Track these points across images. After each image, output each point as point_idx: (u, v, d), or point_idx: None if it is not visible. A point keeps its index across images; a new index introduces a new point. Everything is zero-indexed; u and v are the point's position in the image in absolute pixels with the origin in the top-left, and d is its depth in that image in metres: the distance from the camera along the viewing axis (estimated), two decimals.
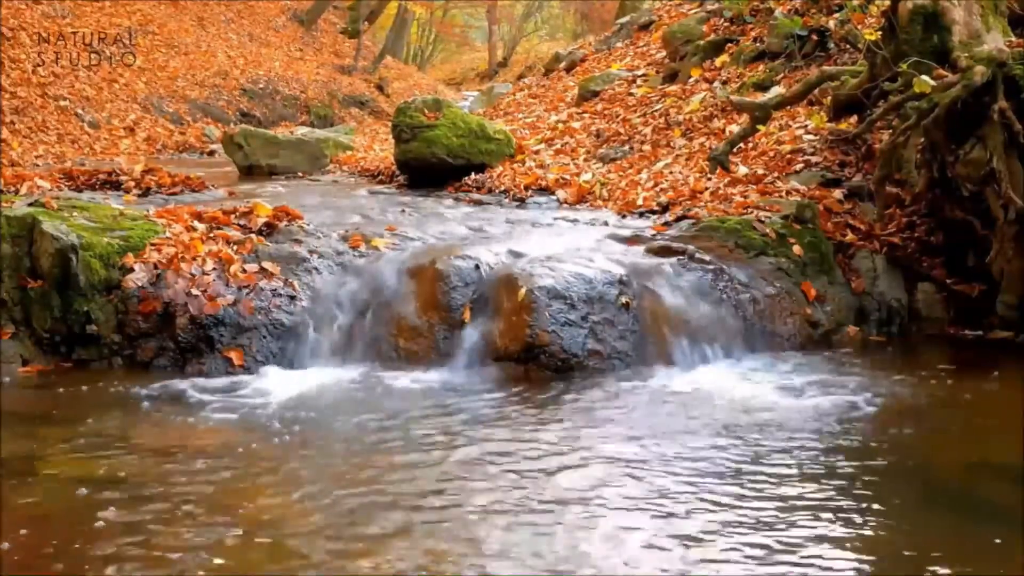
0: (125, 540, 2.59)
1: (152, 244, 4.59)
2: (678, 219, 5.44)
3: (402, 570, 2.47)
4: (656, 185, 6.39)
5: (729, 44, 9.10)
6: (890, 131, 5.34)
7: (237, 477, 3.09)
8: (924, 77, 4.72)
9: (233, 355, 4.29)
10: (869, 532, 2.72)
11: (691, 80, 8.83)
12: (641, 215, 5.84)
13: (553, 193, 6.76)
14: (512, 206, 6.56)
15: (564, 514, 2.80)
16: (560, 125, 9.02)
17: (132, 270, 4.43)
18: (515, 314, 4.33)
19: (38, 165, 9.86)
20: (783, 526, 2.72)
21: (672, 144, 7.44)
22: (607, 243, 5.04)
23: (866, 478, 3.11)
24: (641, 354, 4.38)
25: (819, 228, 5.15)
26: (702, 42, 9.31)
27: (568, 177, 7.02)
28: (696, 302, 4.62)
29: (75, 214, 4.76)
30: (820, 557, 2.54)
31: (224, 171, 9.22)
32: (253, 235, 4.91)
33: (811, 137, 6.37)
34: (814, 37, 7.90)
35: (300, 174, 8.81)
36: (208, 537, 2.62)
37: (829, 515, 2.80)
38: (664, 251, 4.90)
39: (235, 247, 4.74)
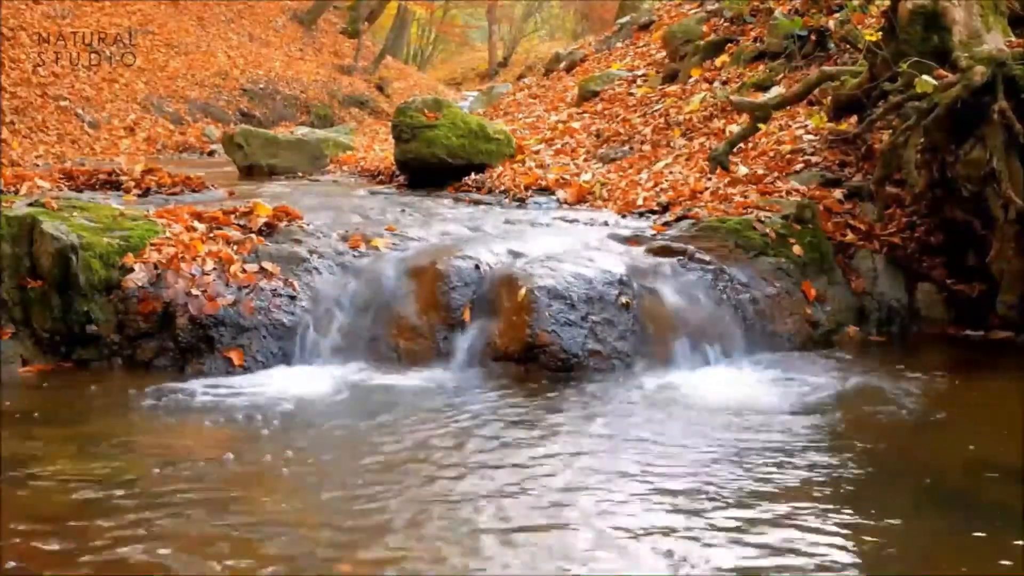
0: (125, 540, 2.59)
1: (152, 244, 4.59)
2: (678, 219, 5.44)
3: (400, 570, 2.46)
4: (656, 185, 6.39)
5: (729, 44, 9.11)
6: (890, 131, 5.35)
7: (237, 477, 3.09)
8: (925, 77, 4.73)
9: (233, 355, 4.29)
10: (869, 532, 2.71)
11: (691, 80, 8.84)
12: (641, 215, 5.84)
13: (553, 193, 6.76)
14: (512, 206, 6.56)
15: (563, 514, 2.80)
16: (560, 125, 9.03)
17: (132, 270, 4.43)
18: (515, 314, 4.33)
19: (38, 165, 9.86)
20: (782, 526, 2.72)
21: (672, 144, 7.45)
22: (607, 243, 5.04)
23: (866, 478, 3.11)
24: (641, 354, 4.38)
25: (819, 228, 5.15)
26: (702, 42, 9.32)
27: (568, 177, 7.02)
28: (696, 302, 4.62)
29: (75, 214, 4.75)
30: (820, 557, 2.54)
31: (224, 171, 9.22)
32: (253, 235, 4.91)
33: (811, 137, 6.37)
34: (814, 37, 7.91)
35: (300, 174, 8.82)
36: (208, 537, 2.62)
37: (829, 515, 2.80)
38: (664, 251, 4.89)
39: (235, 247, 4.73)
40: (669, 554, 2.55)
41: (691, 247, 4.90)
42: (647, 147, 7.59)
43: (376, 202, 6.68)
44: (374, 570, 2.47)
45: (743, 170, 6.16)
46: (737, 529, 2.70)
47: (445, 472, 3.13)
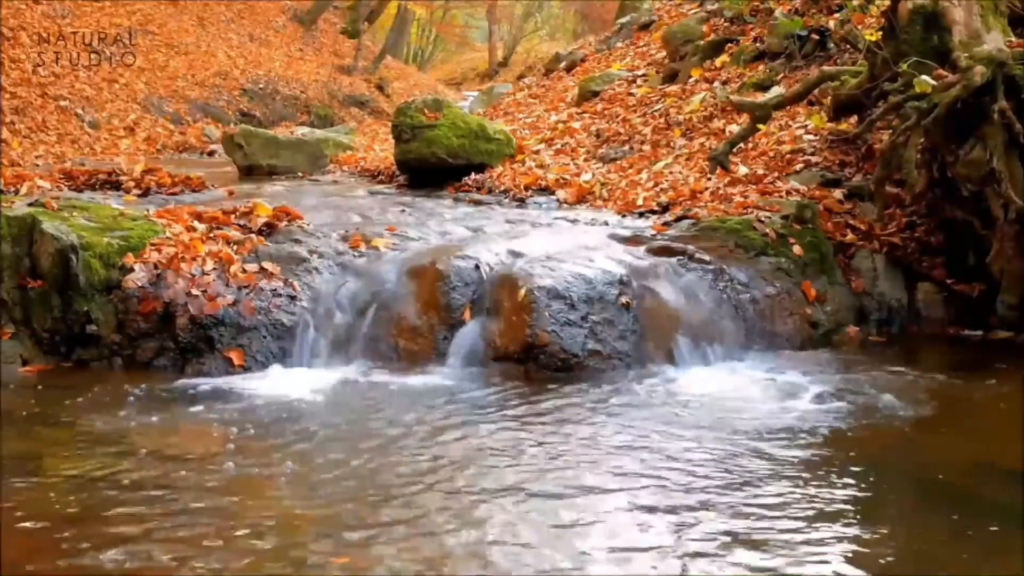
0: (125, 540, 2.59)
1: (152, 244, 4.59)
2: (678, 219, 5.44)
3: (400, 570, 2.46)
4: (656, 185, 6.39)
5: (729, 44, 9.11)
6: (890, 131, 5.35)
7: (237, 477, 3.09)
8: (924, 77, 4.73)
9: (233, 355, 4.29)
10: (869, 532, 2.71)
11: (691, 80, 8.84)
12: (641, 215, 5.84)
13: (553, 193, 6.76)
14: (512, 206, 6.56)
15: (561, 514, 2.80)
16: (560, 125, 9.03)
17: (132, 270, 4.43)
18: (515, 314, 4.33)
19: (38, 165, 9.86)
20: (782, 525, 2.72)
21: (672, 144, 7.45)
22: (607, 243, 5.04)
23: (866, 478, 3.11)
24: (641, 354, 4.38)
25: (819, 228, 5.15)
26: (702, 42, 9.32)
27: (568, 177, 7.02)
28: (696, 302, 4.62)
29: (75, 214, 4.76)
30: (820, 557, 2.54)
31: (224, 171, 9.21)
32: (253, 235, 4.91)
33: (811, 137, 6.38)
34: (814, 37, 7.91)
35: (300, 174, 8.81)
36: (208, 537, 2.62)
37: (829, 515, 2.80)
38: (664, 251, 4.89)
39: (235, 247, 4.74)
40: (666, 552, 2.55)
41: (691, 247, 4.90)
42: (647, 147, 7.59)
43: (376, 202, 6.68)
44: (373, 570, 2.47)
45: (743, 170, 6.16)
46: (735, 529, 2.69)
47: (445, 472, 3.13)
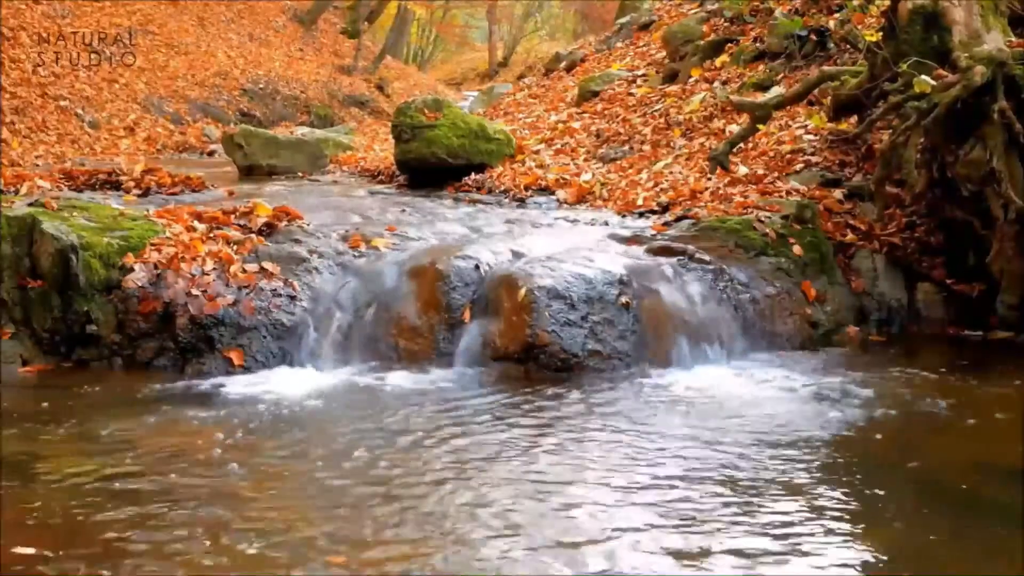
0: (125, 541, 2.59)
1: (152, 244, 4.59)
2: (678, 219, 5.45)
3: (400, 570, 2.46)
4: (656, 185, 6.40)
5: (729, 44, 9.12)
6: (890, 131, 5.35)
7: (238, 477, 3.09)
8: (924, 77, 4.73)
9: (233, 355, 4.29)
10: (869, 532, 2.71)
11: (691, 80, 8.84)
12: (641, 215, 5.84)
13: (553, 193, 6.76)
14: (512, 206, 6.56)
15: (561, 514, 2.80)
16: (560, 125, 9.04)
17: (132, 270, 4.43)
18: (515, 314, 4.33)
19: (38, 165, 9.86)
20: (781, 526, 2.72)
21: (672, 144, 7.45)
22: (607, 243, 5.04)
23: (866, 478, 3.11)
24: (641, 354, 4.38)
25: (819, 228, 5.15)
26: (702, 42, 9.32)
27: (568, 177, 7.03)
28: (696, 302, 4.62)
29: (75, 214, 4.76)
30: (820, 557, 2.54)
31: (224, 171, 9.21)
32: (253, 235, 4.91)
33: (811, 137, 6.38)
34: (814, 37, 7.92)
35: (300, 174, 8.82)
36: (208, 538, 2.62)
37: (828, 515, 2.80)
38: (664, 251, 4.89)
39: (235, 247, 4.74)
40: (667, 552, 2.55)
41: (691, 247, 4.90)
42: (647, 147, 7.59)
43: (376, 202, 6.69)
44: (373, 569, 2.47)
45: (743, 170, 6.16)
46: (735, 530, 2.69)
47: (446, 472, 3.13)
